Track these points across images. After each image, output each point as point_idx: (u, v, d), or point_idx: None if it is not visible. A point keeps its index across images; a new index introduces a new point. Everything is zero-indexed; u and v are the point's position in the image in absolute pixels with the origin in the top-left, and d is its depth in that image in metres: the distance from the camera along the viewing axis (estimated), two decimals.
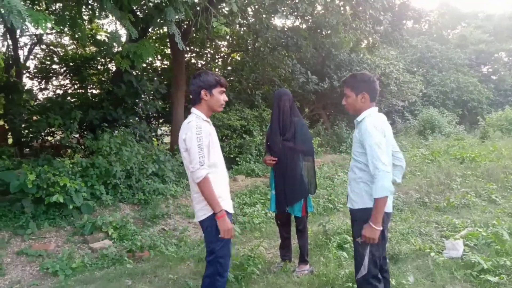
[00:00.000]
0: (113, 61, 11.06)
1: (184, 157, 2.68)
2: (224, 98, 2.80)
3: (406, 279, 3.63)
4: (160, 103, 10.35)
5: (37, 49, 11.96)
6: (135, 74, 9.64)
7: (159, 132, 12.83)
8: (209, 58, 13.43)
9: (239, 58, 13.57)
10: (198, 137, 2.54)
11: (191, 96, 2.80)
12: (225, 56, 13.32)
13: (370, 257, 2.55)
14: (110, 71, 11.54)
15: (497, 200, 6.31)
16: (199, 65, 13.00)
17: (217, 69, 13.31)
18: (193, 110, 2.74)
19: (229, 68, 13.31)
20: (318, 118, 14.56)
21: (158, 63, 12.79)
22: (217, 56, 13.29)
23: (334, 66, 13.28)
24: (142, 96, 10.20)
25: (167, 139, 12.68)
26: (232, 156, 10.09)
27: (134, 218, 5.82)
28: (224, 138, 10.51)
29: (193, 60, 12.96)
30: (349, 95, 2.73)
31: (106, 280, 3.96)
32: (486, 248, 4.28)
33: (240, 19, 9.69)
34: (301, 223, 3.95)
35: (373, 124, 2.55)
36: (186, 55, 11.54)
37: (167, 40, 10.86)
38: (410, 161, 9.49)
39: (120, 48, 6.87)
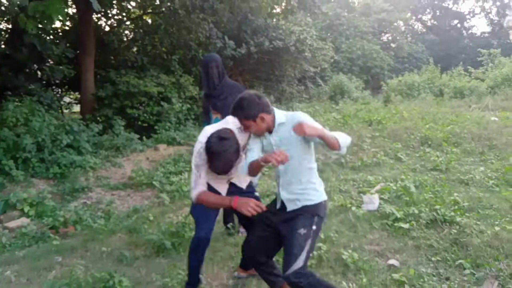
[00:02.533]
0: (6, 20, 9.87)
1: None
2: None
3: (333, 232, 3.95)
4: (67, 69, 9.54)
5: None
6: (35, 35, 8.69)
7: (67, 100, 11.94)
8: (120, 19, 12.55)
9: (150, 21, 12.90)
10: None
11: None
12: (136, 19, 12.55)
13: (308, 249, 2.44)
14: (4, 32, 10.28)
15: (402, 158, 7.01)
16: (107, 28, 12.13)
17: (126, 31, 12.52)
18: None
19: (141, 30, 12.59)
20: None
21: (58, 24, 11.60)
22: (125, 18, 12.44)
23: (250, 31, 13.28)
24: (47, 61, 9.32)
25: (76, 108, 11.84)
26: (150, 124, 9.80)
27: (51, 193, 5.44)
28: (140, 105, 10.10)
29: (100, 22, 12.02)
30: (249, 125, 2.44)
31: (32, 259, 3.72)
32: (397, 200, 4.79)
33: None
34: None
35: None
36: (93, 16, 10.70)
37: None
38: (324, 125, 10.04)
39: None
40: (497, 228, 3.79)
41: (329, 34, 23.55)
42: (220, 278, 3.31)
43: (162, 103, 10.08)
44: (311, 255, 2.53)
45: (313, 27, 17.58)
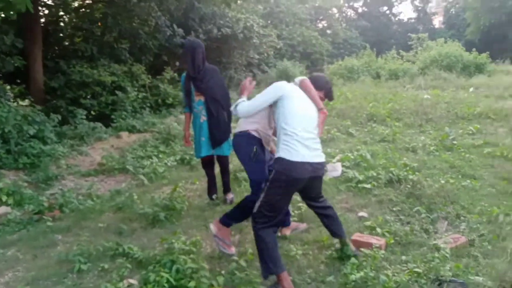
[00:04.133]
0: None
1: None
2: None
3: None
4: (18, 60, 9.22)
5: None
6: None
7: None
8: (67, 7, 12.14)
9: (97, 10, 12.62)
10: None
11: None
12: (84, 7, 12.23)
13: (262, 198, 2.90)
14: None
15: (353, 133, 7.73)
16: (54, 17, 11.74)
17: (75, 20, 12.18)
18: None
19: (87, 20, 12.30)
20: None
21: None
22: (75, 5, 12.09)
23: (198, 19, 13.48)
24: None
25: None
26: (106, 113, 9.78)
27: (26, 182, 5.48)
28: (94, 95, 10.03)
29: (46, 11, 11.59)
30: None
31: (30, 239, 3.88)
32: (357, 167, 5.43)
33: None
34: (228, 161, 4.50)
35: None
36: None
37: None
38: None
39: None
40: (442, 182, 4.55)
41: (269, 22, 24.13)
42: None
43: (116, 92, 10.08)
44: (268, 203, 2.88)
45: (254, 14, 18.06)
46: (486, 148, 6.07)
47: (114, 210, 4.60)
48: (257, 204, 2.94)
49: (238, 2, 13.95)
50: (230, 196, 4.57)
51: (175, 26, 12.52)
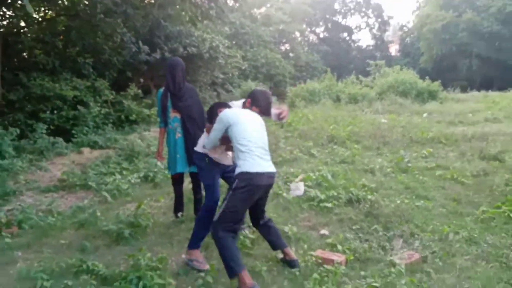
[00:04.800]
0: None
1: None
2: None
3: (272, 213, 4.62)
4: None
5: None
6: None
7: None
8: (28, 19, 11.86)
9: (60, 23, 12.43)
10: None
11: None
12: (47, 20, 12.00)
13: (223, 208, 3.23)
14: None
15: (315, 154, 7.97)
16: (14, 29, 11.45)
17: (36, 32, 11.90)
18: None
19: (52, 32, 12.07)
20: (149, 89, 14.67)
21: None
22: (37, 17, 11.84)
23: (164, 37, 13.55)
24: None
25: None
26: (66, 128, 9.57)
27: None
28: (54, 109, 9.80)
29: (4, 22, 11.29)
30: None
31: None
32: (319, 186, 5.63)
33: None
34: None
35: None
36: None
37: None
38: None
39: None
40: (398, 202, 4.81)
41: (234, 42, 24.56)
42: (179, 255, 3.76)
43: (78, 107, 9.91)
44: (229, 211, 3.21)
45: (219, 35, 18.34)
46: (438, 171, 6.47)
47: (76, 227, 4.52)
48: (219, 213, 3.28)
49: (204, 22, 14.13)
50: None
51: (140, 43, 12.54)
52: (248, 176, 3.18)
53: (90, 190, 6.03)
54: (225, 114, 3.38)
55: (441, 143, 8.60)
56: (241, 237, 3.88)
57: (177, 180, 4.59)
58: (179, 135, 4.36)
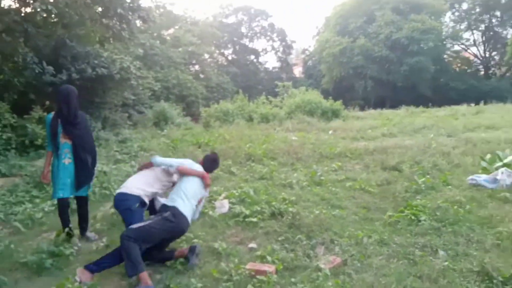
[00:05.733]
0: None
1: None
2: None
3: (200, 231, 4.71)
4: None
5: None
6: None
7: None
8: None
9: None
10: None
11: None
12: None
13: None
14: None
15: (235, 172, 8.21)
16: None
17: None
18: None
19: None
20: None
21: None
22: None
23: (70, 57, 12.89)
24: None
25: None
26: None
27: None
28: None
29: None
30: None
31: None
32: (242, 202, 5.83)
33: None
34: (87, 201, 4.80)
35: None
36: None
37: None
38: (157, 149, 10.66)
39: None
40: (317, 212, 5.21)
41: (144, 64, 24.10)
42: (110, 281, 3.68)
43: None
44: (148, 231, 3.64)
45: (128, 56, 17.96)
46: (347, 182, 7.09)
47: None
48: (138, 225, 3.63)
49: (111, 42, 13.75)
50: (91, 234, 4.81)
51: (44, 64, 11.77)
52: (180, 216, 3.82)
53: None
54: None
55: (348, 157, 9.39)
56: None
57: (64, 204, 4.64)
58: (69, 160, 4.48)
